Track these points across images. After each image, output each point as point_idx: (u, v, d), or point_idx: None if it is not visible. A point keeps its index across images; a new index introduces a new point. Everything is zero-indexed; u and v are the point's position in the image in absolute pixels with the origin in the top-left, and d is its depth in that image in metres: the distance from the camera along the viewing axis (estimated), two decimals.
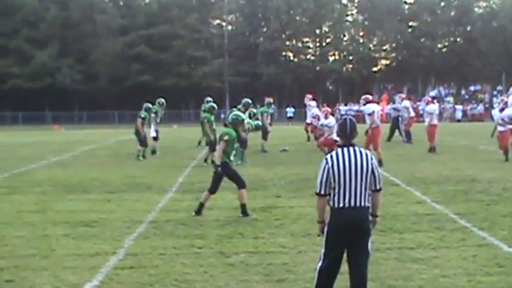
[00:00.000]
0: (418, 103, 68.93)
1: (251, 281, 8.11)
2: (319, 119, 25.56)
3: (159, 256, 9.40)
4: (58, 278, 8.40)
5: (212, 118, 21.62)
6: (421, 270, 8.46)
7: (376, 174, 6.72)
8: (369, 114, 21.04)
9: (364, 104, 21.81)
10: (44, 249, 9.89)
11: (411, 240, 10.07)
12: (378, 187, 6.77)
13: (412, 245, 9.77)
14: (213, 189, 12.38)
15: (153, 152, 25.49)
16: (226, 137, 12.20)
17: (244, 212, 12.09)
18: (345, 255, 6.79)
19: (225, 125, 22.85)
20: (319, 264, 6.82)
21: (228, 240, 10.35)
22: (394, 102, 33.84)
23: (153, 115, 25.33)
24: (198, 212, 12.30)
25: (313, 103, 32.57)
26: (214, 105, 22.78)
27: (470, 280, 7.99)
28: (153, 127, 25.45)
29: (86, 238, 10.64)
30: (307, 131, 31.97)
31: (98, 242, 10.37)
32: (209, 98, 25.75)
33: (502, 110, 22.47)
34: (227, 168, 12.21)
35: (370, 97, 22.76)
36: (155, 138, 25.68)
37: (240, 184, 12.26)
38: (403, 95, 34.68)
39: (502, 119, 21.93)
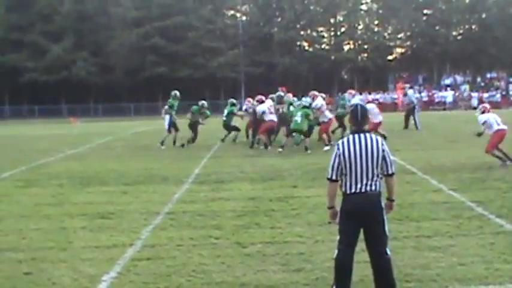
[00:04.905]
0: (433, 91, 68.89)
1: (268, 271, 8.10)
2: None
3: (176, 247, 9.41)
4: (76, 270, 8.44)
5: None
6: (439, 258, 8.42)
7: (388, 160, 6.79)
8: (318, 109, 23.52)
9: (313, 99, 24.08)
10: (61, 242, 9.94)
11: (428, 229, 10.03)
12: (390, 172, 6.83)
13: (429, 233, 9.73)
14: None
15: (168, 142, 25.77)
16: None
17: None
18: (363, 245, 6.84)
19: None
20: (335, 253, 6.84)
21: (245, 230, 10.35)
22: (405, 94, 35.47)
23: (166, 107, 26.05)
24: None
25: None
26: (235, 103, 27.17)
27: (488, 268, 7.94)
28: (167, 119, 25.62)
29: (103, 230, 10.68)
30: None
31: (115, 233, 10.40)
32: (203, 102, 27.05)
33: None
34: None
35: (317, 93, 25.00)
36: (177, 130, 25.92)
37: None
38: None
39: None
